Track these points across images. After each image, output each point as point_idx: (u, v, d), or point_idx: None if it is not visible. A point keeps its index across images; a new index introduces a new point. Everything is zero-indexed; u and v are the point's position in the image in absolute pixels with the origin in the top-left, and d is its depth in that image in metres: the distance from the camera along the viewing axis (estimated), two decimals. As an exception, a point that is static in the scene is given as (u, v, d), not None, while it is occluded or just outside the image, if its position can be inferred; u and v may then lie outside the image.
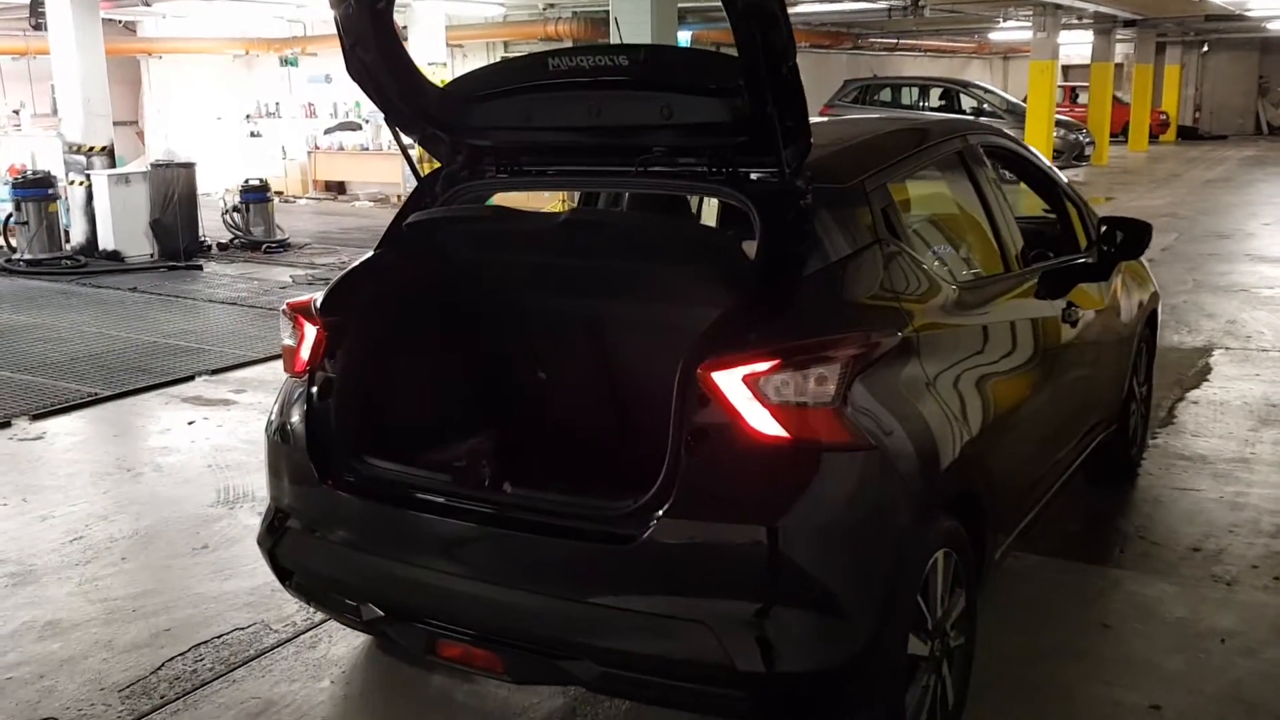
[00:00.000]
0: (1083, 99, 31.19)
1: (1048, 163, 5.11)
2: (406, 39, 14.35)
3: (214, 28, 22.47)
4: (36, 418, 7.24)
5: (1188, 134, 36.24)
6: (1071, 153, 24.94)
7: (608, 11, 13.26)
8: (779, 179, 3.24)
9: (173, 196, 13.56)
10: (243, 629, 4.38)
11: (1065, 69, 33.42)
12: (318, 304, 3.65)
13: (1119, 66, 32.07)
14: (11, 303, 11.15)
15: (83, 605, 4.63)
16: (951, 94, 24.96)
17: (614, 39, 10.26)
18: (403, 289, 3.81)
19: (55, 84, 14.57)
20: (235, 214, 14.69)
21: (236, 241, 14.58)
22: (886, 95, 25.51)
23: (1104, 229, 4.90)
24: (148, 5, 18.65)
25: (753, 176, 3.39)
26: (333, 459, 3.50)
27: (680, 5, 12.09)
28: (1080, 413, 4.72)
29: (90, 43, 13.71)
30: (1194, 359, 8.22)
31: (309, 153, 22.06)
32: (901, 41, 30.98)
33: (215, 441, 6.75)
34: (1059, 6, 21.76)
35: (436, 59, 17.35)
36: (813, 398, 2.90)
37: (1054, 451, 4.40)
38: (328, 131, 22.02)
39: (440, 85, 3.88)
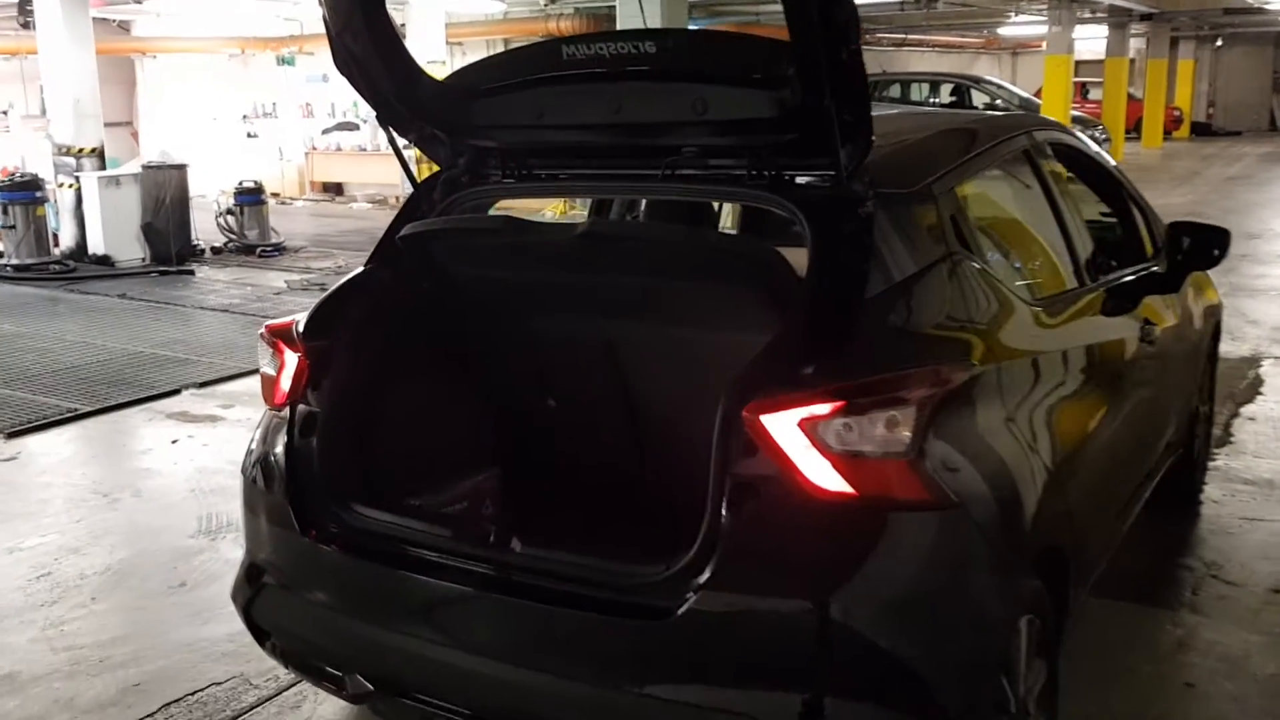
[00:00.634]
0: (1093, 95, 30.75)
1: (1111, 160, 4.64)
2: (405, 37, 13.94)
3: (209, 27, 22.09)
4: (12, 435, 6.80)
5: (1201, 130, 35.78)
6: (1087, 150, 24.41)
7: (613, 7, 12.77)
8: (834, 183, 2.78)
9: (165, 199, 13.17)
10: (220, 684, 3.93)
11: (1075, 65, 33.02)
12: (299, 328, 3.19)
13: (1131, 62, 31.64)
14: (-5, 310, 10.72)
15: (45, 655, 4.19)
16: (963, 90, 24.36)
17: (624, 23, 9.77)
18: (396, 310, 3.35)
19: (43, 84, 14.15)
20: (229, 216, 14.33)
21: (230, 245, 14.21)
22: (896, 91, 24.90)
23: (1172, 235, 4.42)
24: (139, 3, 18.24)
25: (799, 180, 2.92)
26: (316, 507, 3.04)
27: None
28: (1153, 439, 4.26)
29: (80, 41, 13.31)
30: (1243, 370, 7.73)
31: (306, 153, 21.79)
32: (909, 37, 30.55)
33: (199, 463, 6.30)
34: (1074, 0, 21.31)
35: (435, 57, 16.95)
36: (883, 446, 2.44)
37: (1130, 485, 3.94)
38: (325, 132, 21.66)
39: (439, 79, 3.42)
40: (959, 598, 2.55)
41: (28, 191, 12.75)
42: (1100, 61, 28.06)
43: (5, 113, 20.69)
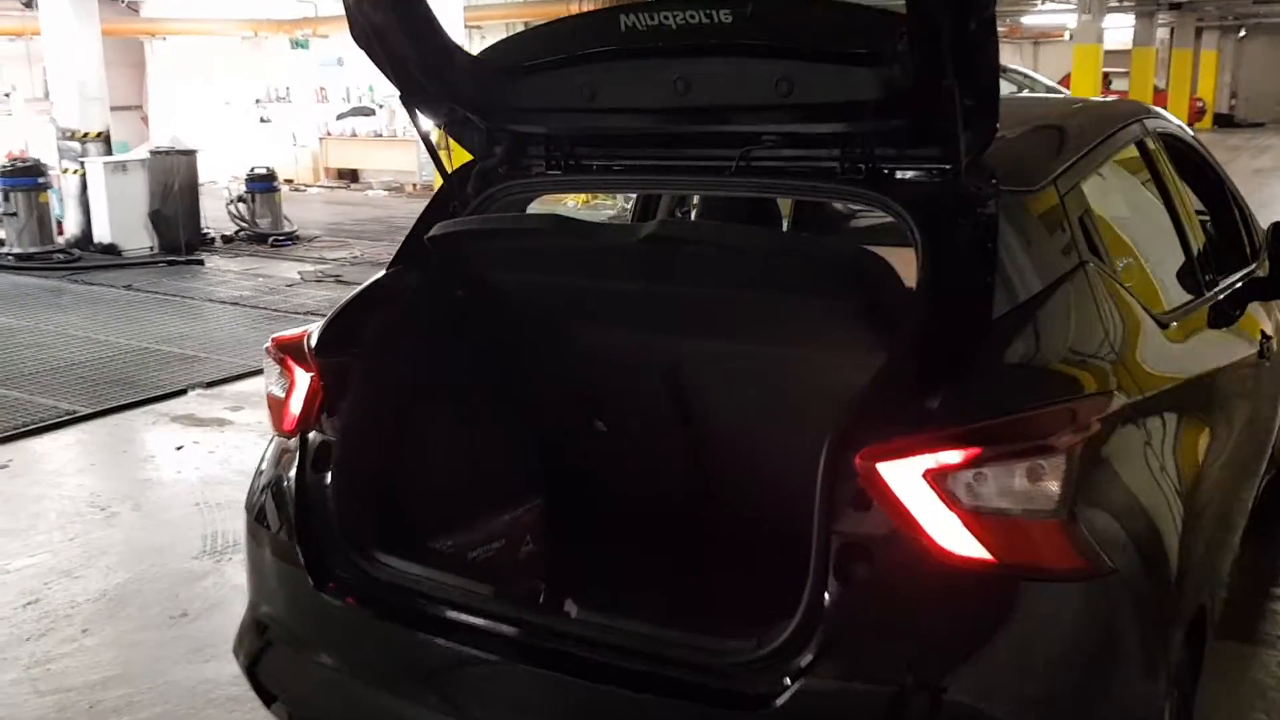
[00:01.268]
0: (1115, 85, 30.26)
1: (1212, 155, 4.18)
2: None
3: (221, 8, 21.70)
4: (5, 440, 6.37)
5: (1224, 121, 35.37)
6: (1117, 140, 23.95)
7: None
8: (947, 178, 2.33)
9: (173, 186, 12.78)
10: (222, 737, 3.52)
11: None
12: (312, 342, 2.75)
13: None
14: (-5, 302, 10.32)
15: (28, 698, 3.77)
16: (988, 78, 23.90)
17: None
18: (424, 322, 2.91)
19: (47, 66, 13.75)
20: (240, 204, 13.95)
21: (242, 234, 13.84)
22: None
23: (1276, 236, 3.95)
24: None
25: (900, 175, 2.48)
26: (331, 554, 2.62)
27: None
28: (1262, 463, 3.81)
29: (85, 21, 12.89)
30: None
31: (320, 139, 21.46)
32: (932, 25, 29.98)
33: (205, 472, 5.88)
34: (1104, -12, 20.83)
35: (452, 41, 16.56)
36: (1027, 502, 1.99)
37: (1244, 517, 3.50)
38: (340, 117, 21.29)
39: (474, 54, 2.96)
40: (1116, 681, 2.11)
41: (31, 177, 12.35)
42: (1122, 52, 27.61)
43: (8, 96, 20.31)
